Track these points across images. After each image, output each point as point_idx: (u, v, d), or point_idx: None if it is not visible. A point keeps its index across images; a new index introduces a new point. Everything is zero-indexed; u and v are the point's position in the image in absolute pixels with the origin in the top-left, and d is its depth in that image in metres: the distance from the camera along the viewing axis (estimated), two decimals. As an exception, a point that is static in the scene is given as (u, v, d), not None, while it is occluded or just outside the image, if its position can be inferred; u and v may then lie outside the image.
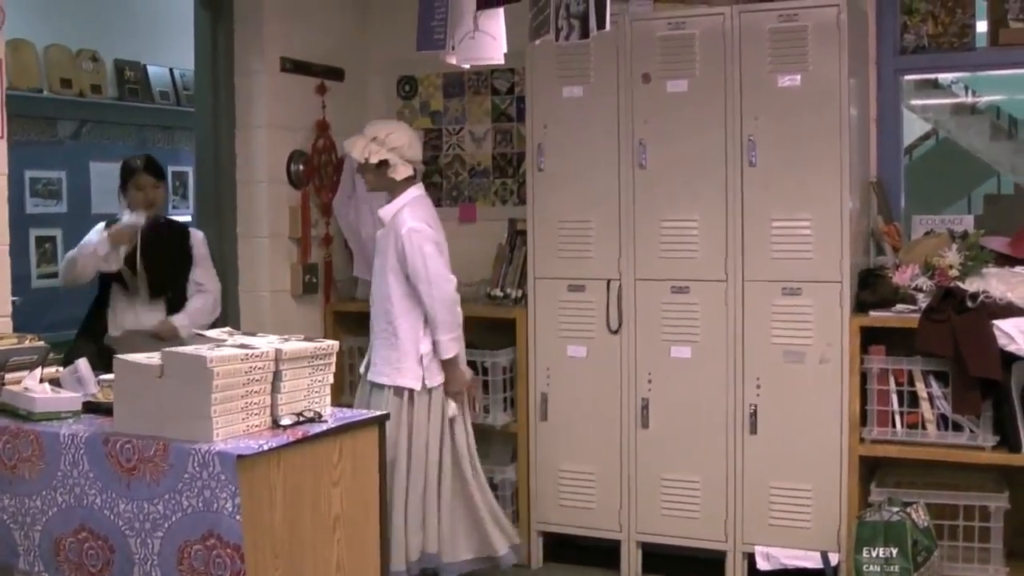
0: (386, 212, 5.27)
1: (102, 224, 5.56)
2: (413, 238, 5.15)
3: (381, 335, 5.26)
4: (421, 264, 5.15)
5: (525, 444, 5.82)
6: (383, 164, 5.22)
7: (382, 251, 5.28)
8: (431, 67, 6.24)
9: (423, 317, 5.19)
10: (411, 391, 5.19)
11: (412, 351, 5.20)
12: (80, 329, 5.62)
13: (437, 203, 6.25)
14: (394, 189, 5.28)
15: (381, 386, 5.22)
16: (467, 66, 4.82)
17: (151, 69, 7.63)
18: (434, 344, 5.19)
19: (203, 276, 5.71)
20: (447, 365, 5.23)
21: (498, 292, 5.99)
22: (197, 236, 5.79)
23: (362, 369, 5.42)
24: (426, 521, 5.19)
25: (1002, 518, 5.03)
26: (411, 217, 5.20)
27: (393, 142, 5.23)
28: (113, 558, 3.22)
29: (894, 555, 4.86)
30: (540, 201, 5.69)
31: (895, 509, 4.94)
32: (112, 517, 3.22)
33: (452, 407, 5.26)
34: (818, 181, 5.17)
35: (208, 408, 3.13)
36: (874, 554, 4.88)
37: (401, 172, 5.24)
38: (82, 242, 5.51)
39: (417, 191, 5.32)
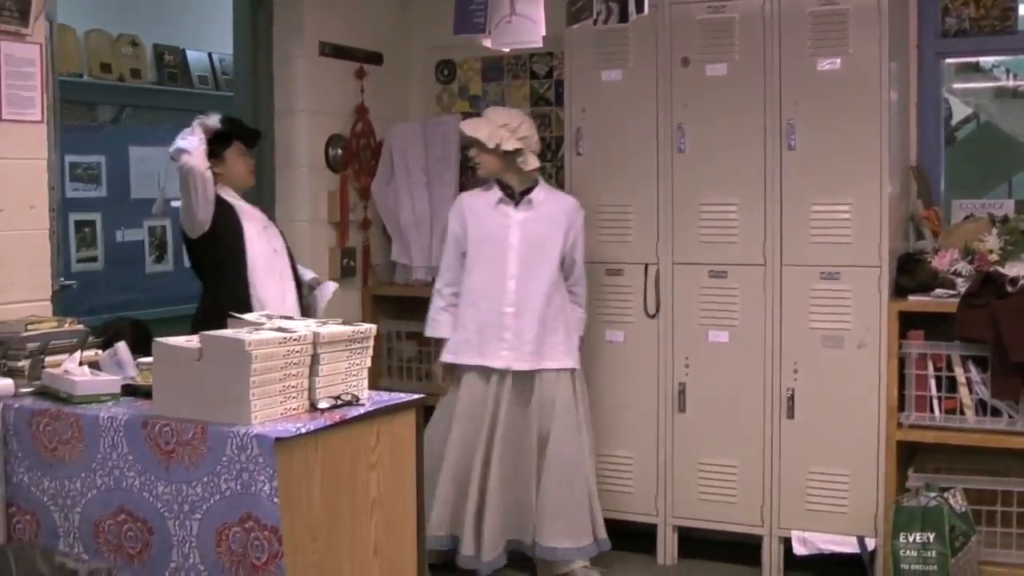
0: (537, 196, 5.34)
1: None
2: (583, 222, 5.39)
3: (541, 318, 5.26)
4: (584, 250, 5.40)
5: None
6: (512, 152, 5.25)
7: (535, 235, 5.30)
8: (470, 51, 6.25)
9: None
10: (573, 371, 5.32)
11: (575, 332, 5.38)
12: None
13: (475, 187, 6.29)
14: (516, 177, 5.33)
15: (556, 371, 5.29)
16: (506, 50, 4.82)
17: (190, 54, 7.68)
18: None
19: None
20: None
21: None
22: None
23: (505, 362, 5.28)
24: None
25: (1041, 504, 5.02)
26: (575, 202, 5.41)
27: (523, 132, 5.28)
28: (152, 540, 3.25)
29: (931, 540, 4.84)
30: (578, 185, 5.68)
31: (932, 494, 4.92)
32: (151, 499, 3.24)
33: None
34: (858, 165, 5.14)
35: (246, 391, 3.15)
36: (911, 539, 4.86)
37: (532, 163, 5.30)
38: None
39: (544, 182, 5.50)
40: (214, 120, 4.94)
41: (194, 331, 4.66)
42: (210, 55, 7.81)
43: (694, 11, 5.46)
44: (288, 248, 5.20)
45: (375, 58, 6.43)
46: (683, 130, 5.45)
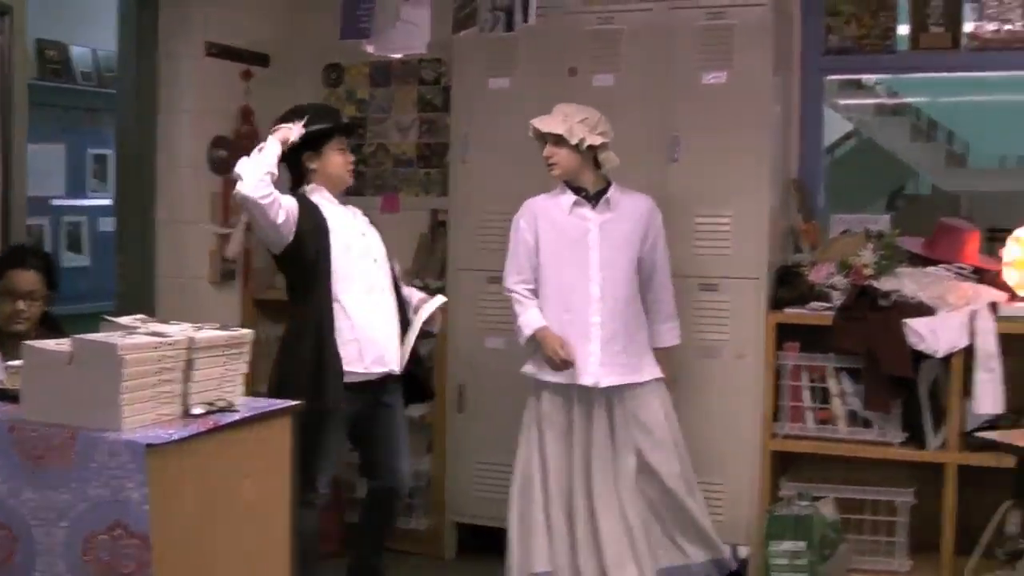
0: (614, 196, 4.99)
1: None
2: (661, 222, 5.10)
3: (627, 328, 4.96)
4: (667, 253, 5.09)
5: (442, 435, 5.83)
6: (593, 148, 4.91)
7: (616, 238, 4.96)
8: (358, 56, 6.19)
9: None
10: (661, 380, 5.05)
11: (650, 339, 5.09)
12: None
13: (360, 192, 6.26)
14: (592, 176, 5.00)
15: (645, 382, 5.00)
16: (395, 56, 4.81)
17: (74, 49, 7.55)
18: (658, 332, 5.10)
19: None
20: (666, 356, 5.13)
21: (418, 283, 5.97)
22: None
23: (595, 377, 4.93)
24: None
25: (908, 513, 5.15)
26: (651, 200, 5.08)
27: (603, 127, 4.92)
28: (16, 548, 3.17)
29: (802, 548, 4.92)
30: (463, 193, 5.70)
31: (804, 503, 5.01)
32: (16, 506, 3.17)
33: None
34: (740, 178, 5.22)
35: (117, 397, 3.10)
36: (783, 547, 4.94)
37: (612, 160, 4.97)
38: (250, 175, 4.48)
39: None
40: (295, 131, 4.62)
41: (278, 364, 4.71)
42: (94, 51, 7.69)
43: (583, 22, 5.50)
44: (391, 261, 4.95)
45: (262, 59, 6.37)
46: (568, 140, 5.48)
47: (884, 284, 5.11)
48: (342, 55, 6.41)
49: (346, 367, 4.65)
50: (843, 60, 5.90)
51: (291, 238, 4.60)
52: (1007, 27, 5.54)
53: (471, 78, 5.70)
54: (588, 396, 4.94)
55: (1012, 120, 11.63)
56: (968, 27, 5.65)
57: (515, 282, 5.04)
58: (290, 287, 4.83)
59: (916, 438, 5.10)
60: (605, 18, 5.49)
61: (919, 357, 4.99)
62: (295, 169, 4.83)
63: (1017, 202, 6.82)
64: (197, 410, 3.32)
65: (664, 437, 5.01)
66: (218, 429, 3.30)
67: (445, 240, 5.94)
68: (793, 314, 5.16)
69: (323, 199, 4.78)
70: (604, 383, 4.90)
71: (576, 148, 4.86)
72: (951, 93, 11.67)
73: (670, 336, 5.10)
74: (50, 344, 3.29)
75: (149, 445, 3.03)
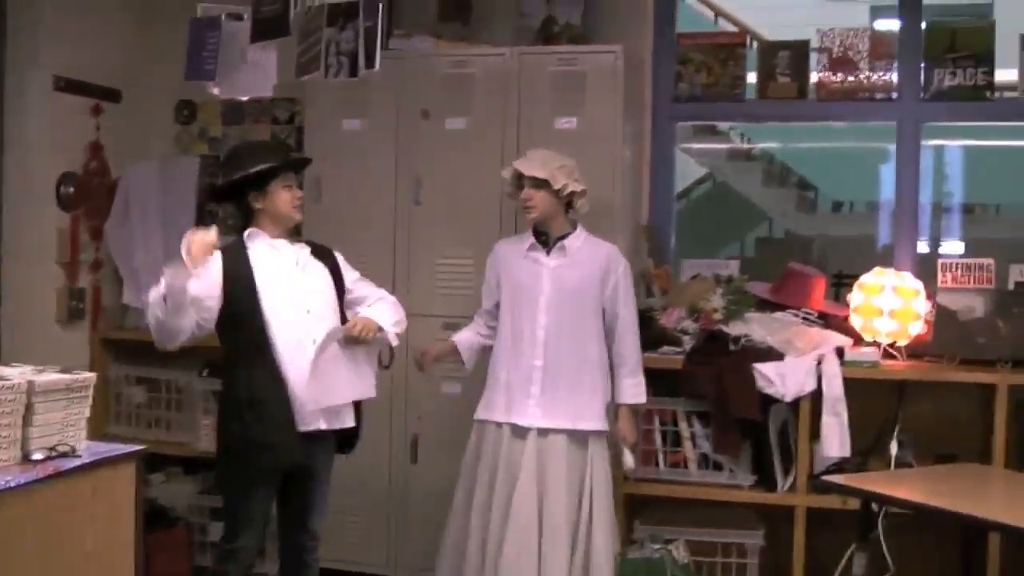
0: (572, 243, 4.90)
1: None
2: (630, 275, 4.99)
3: (567, 373, 4.84)
4: (633, 305, 4.96)
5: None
6: (573, 195, 4.85)
7: (567, 284, 4.87)
8: (211, 94, 6.15)
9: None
10: (604, 432, 4.89)
11: (606, 393, 4.91)
12: None
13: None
14: (560, 222, 4.89)
15: (588, 432, 4.83)
16: (241, 98, 4.77)
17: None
18: (620, 387, 4.92)
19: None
20: (630, 413, 4.98)
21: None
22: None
23: (532, 419, 4.83)
24: None
25: (758, 554, 5.19)
26: (618, 251, 4.98)
27: (577, 174, 4.86)
28: None
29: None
30: (317, 234, 5.61)
31: (657, 546, 5.04)
32: None
33: (630, 459, 4.99)
34: (590, 223, 5.24)
35: (-47, 442, 3.03)
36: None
37: (586, 207, 4.91)
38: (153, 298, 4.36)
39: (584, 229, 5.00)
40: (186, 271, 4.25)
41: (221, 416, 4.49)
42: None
43: (436, 65, 5.52)
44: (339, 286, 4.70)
45: (113, 95, 6.27)
46: (421, 182, 5.49)
47: (733, 329, 5.19)
48: (194, 92, 6.32)
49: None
50: (692, 107, 5.99)
51: (217, 314, 4.46)
52: (851, 78, 5.69)
53: (324, 119, 5.68)
54: (523, 437, 4.84)
55: (859, 167, 11.97)
56: (814, 77, 5.79)
57: (478, 312, 5.08)
58: (222, 342, 4.61)
59: (766, 481, 5.17)
60: (458, 62, 5.51)
61: (768, 401, 5.07)
62: (243, 209, 4.65)
63: (864, 247, 7.02)
64: (37, 455, 3.26)
65: (599, 494, 4.85)
66: (59, 475, 3.23)
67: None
68: (645, 358, 5.19)
69: (263, 243, 4.59)
70: (540, 425, 4.82)
71: (557, 193, 4.81)
72: (801, 140, 11.98)
73: (631, 392, 4.93)
74: None
75: (-15, 492, 2.95)
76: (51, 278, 5.95)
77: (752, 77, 5.88)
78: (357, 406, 4.69)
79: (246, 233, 4.61)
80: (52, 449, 3.30)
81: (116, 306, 6.30)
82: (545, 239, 4.92)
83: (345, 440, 4.72)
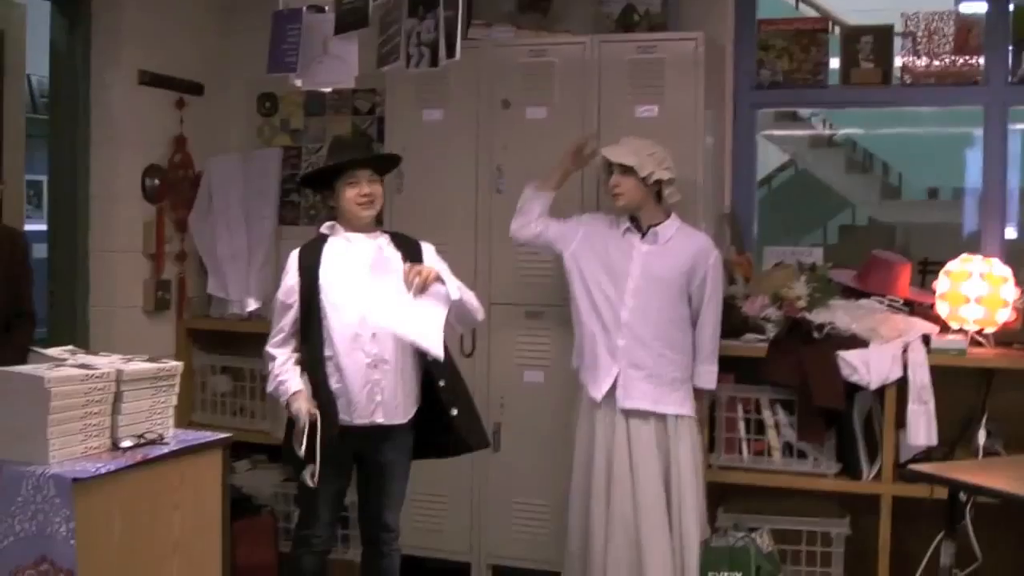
0: (664, 231, 4.95)
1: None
2: (720, 265, 5.03)
3: (649, 357, 4.90)
4: (719, 296, 5.01)
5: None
6: (660, 183, 4.89)
7: (655, 271, 4.92)
8: (292, 85, 6.19)
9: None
10: (692, 419, 4.97)
11: (690, 378, 4.99)
12: None
13: (294, 222, 6.24)
14: (651, 210, 4.95)
15: (670, 416, 4.92)
16: (323, 89, 4.80)
17: (8, 76, 7.47)
18: (694, 371, 4.99)
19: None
20: (703, 395, 5.08)
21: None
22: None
23: (602, 395, 4.94)
24: None
25: (843, 543, 5.16)
26: (711, 243, 5.03)
27: (669, 162, 4.89)
28: (-60, 583, 3.14)
29: (735, 580, 4.94)
30: (398, 223, 5.64)
31: (740, 534, 5.02)
32: (-59, 541, 3.14)
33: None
34: (675, 210, 5.23)
35: (44, 430, 3.07)
36: (717, 578, 4.95)
37: (675, 196, 4.94)
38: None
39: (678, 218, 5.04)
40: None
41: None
42: (29, 77, 7.61)
43: (515, 54, 5.51)
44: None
45: (196, 88, 6.34)
46: (502, 171, 5.49)
47: (817, 316, 5.14)
48: (276, 84, 6.36)
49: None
50: (774, 94, 5.94)
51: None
52: (937, 62, 5.61)
53: (404, 110, 5.69)
54: (604, 411, 4.95)
55: (945, 153, 11.79)
56: (898, 62, 5.71)
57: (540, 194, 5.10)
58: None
59: (850, 469, 5.12)
60: (537, 51, 5.50)
61: (852, 389, 5.02)
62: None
63: (949, 234, 6.92)
64: (126, 443, 3.30)
65: (686, 479, 4.91)
66: (147, 462, 3.28)
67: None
68: (727, 346, 5.17)
69: (340, 238, 4.63)
70: (622, 404, 4.90)
71: (644, 181, 4.85)
72: (885, 125, 11.83)
73: (703, 379, 5.01)
74: (-25, 376, 3.25)
75: (76, 479, 3.00)
76: (137, 269, 6.03)
77: (835, 63, 5.81)
78: (447, 417, 4.65)
79: (325, 226, 4.68)
80: (140, 437, 3.34)
81: (201, 296, 6.37)
82: (638, 225, 4.96)
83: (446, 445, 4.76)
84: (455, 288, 4.56)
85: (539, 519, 5.51)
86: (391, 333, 4.48)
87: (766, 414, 5.22)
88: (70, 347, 3.66)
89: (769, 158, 11.54)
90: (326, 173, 4.66)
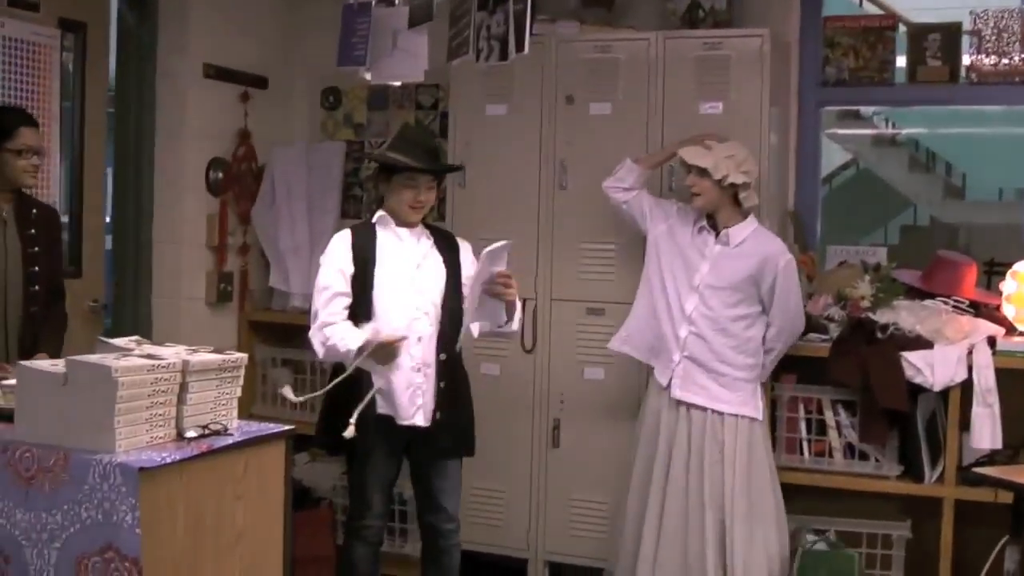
0: (737, 233, 4.94)
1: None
2: (792, 271, 4.94)
3: (710, 354, 4.93)
4: (795, 299, 4.96)
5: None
6: (736, 186, 4.87)
7: (723, 273, 4.93)
8: (356, 79, 6.18)
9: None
10: (753, 420, 4.95)
11: (757, 379, 5.00)
12: None
13: (357, 216, 6.26)
14: (729, 212, 4.95)
15: (728, 415, 4.92)
16: (392, 83, 4.81)
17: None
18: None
19: None
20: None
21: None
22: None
23: (667, 381, 5.00)
24: None
25: (904, 547, 5.11)
26: (783, 248, 4.99)
27: (748, 165, 4.89)
28: (8, 569, 3.16)
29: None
30: (460, 218, 5.68)
31: (813, 537, 5.01)
32: (8, 527, 3.16)
33: None
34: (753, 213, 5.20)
35: (111, 419, 3.09)
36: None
37: (752, 200, 4.93)
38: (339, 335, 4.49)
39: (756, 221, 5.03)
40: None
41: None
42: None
43: (580, 50, 5.50)
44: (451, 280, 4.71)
45: (260, 82, 6.37)
46: (565, 167, 5.48)
47: (881, 316, 5.10)
48: (340, 79, 6.40)
49: (382, 409, 4.57)
50: (840, 92, 5.89)
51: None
52: (1005, 61, 5.54)
53: (469, 104, 5.70)
54: (675, 408, 4.99)
55: (1010, 153, 11.66)
56: (966, 60, 5.65)
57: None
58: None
59: (913, 472, 5.08)
60: (602, 47, 5.48)
61: (916, 390, 4.97)
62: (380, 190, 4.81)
63: (1014, 235, 6.83)
64: (191, 433, 3.32)
65: (744, 476, 4.90)
66: (212, 452, 3.29)
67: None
68: (790, 345, 5.13)
69: (390, 231, 4.68)
70: (676, 394, 4.95)
71: (718, 183, 4.85)
72: (949, 125, 11.70)
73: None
74: (45, 365, 3.28)
75: (142, 468, 3.02)
76: (200, 261, 6.07)
77: (901, 61, 5.76)
78: (467, 414, 4.78)
79: (376, 216, 4.72)
80: (205, 427, 3.36)
81: (263, 289, 6.40)
82: (714, 224, 4.98)
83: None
84: (517, 320, 4.69)
85: (597, 516, 5.50)
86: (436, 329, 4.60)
87: (828, 414, 5.18)
88: (136, 337, 3.68)
89: (830, 157, 11.46)
90: (389, 167, 4.67)
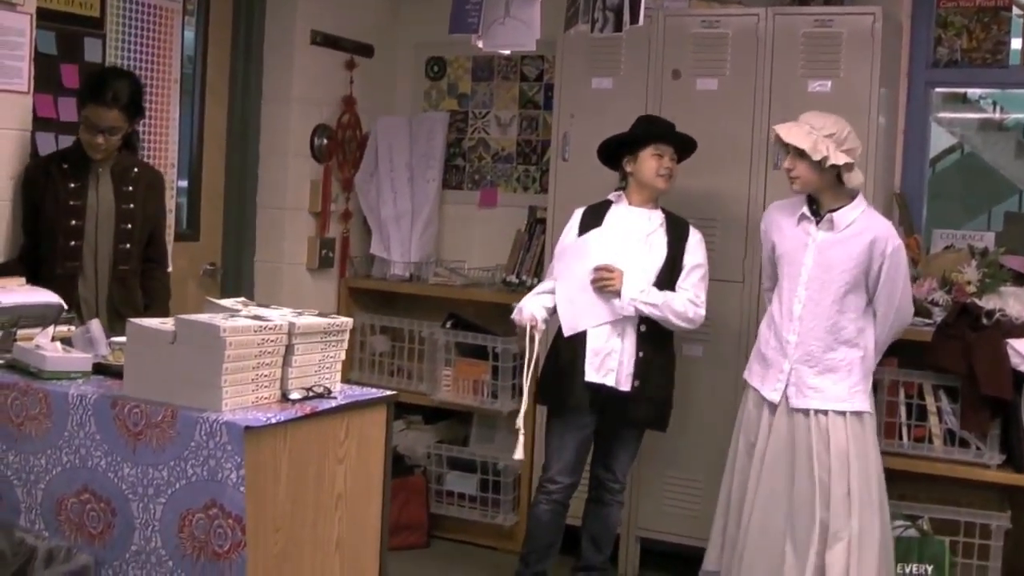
0: (843, 217, 4.60)
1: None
2: (900, 257, 4.61)
3: (820, 351, 4.61)
4: (903, 286, 4.63)
5: (531, 431, 5.79)
6: (837, 167, 4.51)
7: (827, 260, 4.61)
8: (461, 49, 6.22)
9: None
10: (863, 414, 4.66)
11: (869, 372, 4.72)
12: None
13: (458, 186, 6.27)
14: (832, 194, 4.61)
15: (836, 412, 4.61)
16: (503, 52, 4.82)
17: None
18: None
19: None
20: None
21: (514, 279, 6.00)
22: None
23: (778, 397, 4.67)
24: None
25: (1003, 537, 5.02)
26: (892, 232, 4.67)
27: (850, 143, 4.55)
28: (114, 521, 3.22)
29: (929, 572, 4.93)
30: (563, 190, 5.68)
31: (904, 523, 4.96)
32: (116, 480, 3.22)
33: None
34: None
35: (219, 378, 3.13)
36: (908, 570, 4.95)
37: (857, 179, 4.58)
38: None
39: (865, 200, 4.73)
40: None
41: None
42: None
43: (687, 24, 5.46)
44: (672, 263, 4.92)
45: (366, 50, 6.41)
46: (671, 143, 5.45)
47: (987, 302, 5.01)
48: (444, 48, 6.43)
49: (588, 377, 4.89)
50: (951, 73, 5.80)
51: None
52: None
53: (574, 77, 5.68)
54: (776, 412, 4.69)
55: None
56: (1084, 43, 5.54)
57: (765, 288, 5.05)
58: None
59: (1014, 461, 4.99)
60: (710, 22, 5.44)
61: (1020, 379, 4.88)
62: (618, 170, 5.10)
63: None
64: (295, 395, 3.34)
65: (845, 472, 4.59)
66: (315, 415, 3.32)
67: (542, 237, 5.93)
68: (897, 334, 5.05)
69: (621, 207, 5.00)
70: (794, 404, 4.64)
71: (818, 165, 4.53)
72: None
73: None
74: (155, 323, 3.33)
75: (248, 427, 3.05)
76: (303, 227, 6.14)
77: (1016, 43, 5.64)
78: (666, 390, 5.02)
79: (613, 194, 5.02)
80: (309, 390, 3.38)
81: (363, 256, 6.45)
82: (817, 207, 4.70)
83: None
84: (638, 296, 4.84)
85: (692, 495, 5.49)
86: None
87: (929, 400, 5.11)
88: (242, 298, 3.72)
89: (935, 140, 11.28)
90: (630, 141, 4.98)
